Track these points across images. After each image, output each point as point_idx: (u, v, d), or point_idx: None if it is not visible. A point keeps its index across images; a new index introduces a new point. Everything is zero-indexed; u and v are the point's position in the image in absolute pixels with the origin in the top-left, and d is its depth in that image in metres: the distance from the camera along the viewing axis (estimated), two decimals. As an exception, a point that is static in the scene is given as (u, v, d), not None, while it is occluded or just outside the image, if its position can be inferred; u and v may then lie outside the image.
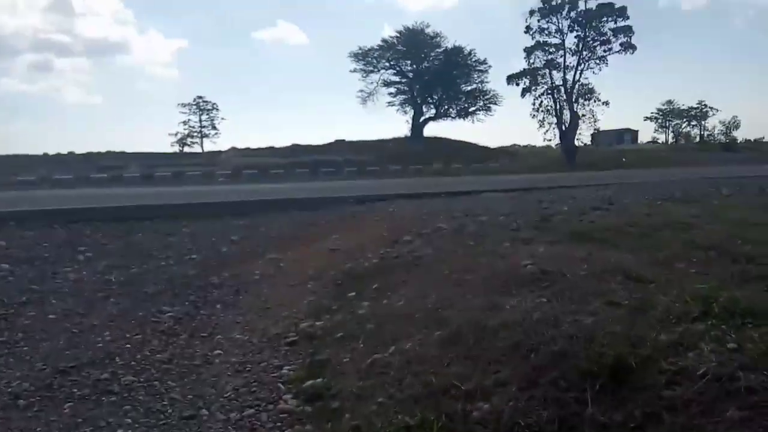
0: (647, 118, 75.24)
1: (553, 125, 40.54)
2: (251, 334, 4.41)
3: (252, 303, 5.19)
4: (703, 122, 70.59)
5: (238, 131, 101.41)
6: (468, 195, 11.01)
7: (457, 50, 48.19)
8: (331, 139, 45.40)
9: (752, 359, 2.44)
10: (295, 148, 41.40)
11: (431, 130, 50.27)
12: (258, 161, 29.44)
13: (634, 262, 4.42)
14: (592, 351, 2.86)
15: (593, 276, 4.03)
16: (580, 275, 4.06)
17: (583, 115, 39.99)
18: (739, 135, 60.26)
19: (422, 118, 49.22)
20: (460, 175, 22.78)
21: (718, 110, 66.54)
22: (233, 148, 43.56)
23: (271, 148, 42.91)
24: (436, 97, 49.97)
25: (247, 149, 42.52)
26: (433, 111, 50.03)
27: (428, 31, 48.65)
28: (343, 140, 44.70)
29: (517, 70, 42.01)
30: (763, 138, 64.62)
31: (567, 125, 39.45)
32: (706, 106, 67.30)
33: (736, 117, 63.40)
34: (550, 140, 43.94)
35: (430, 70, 48.50)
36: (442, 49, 48.76)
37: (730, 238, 5.33)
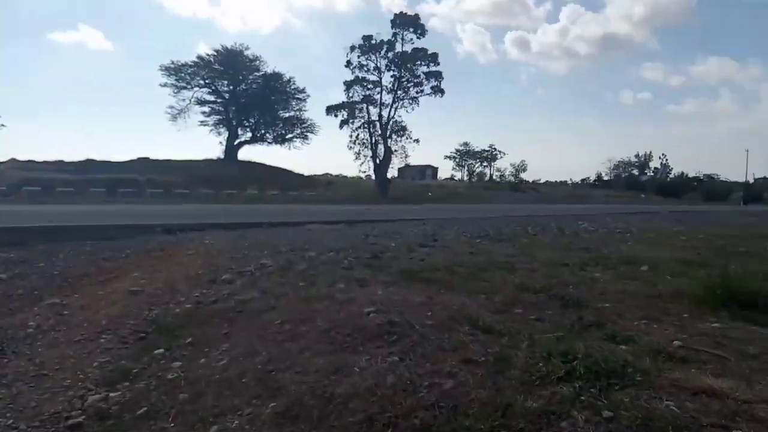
0: (447, 156, 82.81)
1: (369, 158, 42.12)
2: (18, 416, 3.27)
3: (21, 368, 3.95)
4: (492, 163, 79.91)
5: (21, 141, 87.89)
6: (292, 226, 10.44)
7: (277, 76, 47.88)
8: (134, 156, 41.42)
9: (630, 429, 2.27)
10: (90, 164, 36.83)
11: (246, 153, 48.88)
12: (43, 176, 25.43)
13: (476, 308, 4.25)
14: (459, 425, 2.49)
15: (441, 326, 3.74)
16: (427, 325, 3.74)
17: (396, 151, 42.26)
18: (525, 176, 69.22)
19: (237, 141, 47.65)
20: (277, 203, 22.10)
21: (505, 153, 76.06)
22: (13, 160, 37.14)
23: (60, 161, 37.60)
24: (252, 121, 48.88)
25: (31, 162, 36.59)
26: (249, 134, 48.81)
27: (247, 53, 47.61)
28: (148, 158, 41.07)
29: (337, 102, 43.10)
30: (540, 179, 75.13)
31: (381, 159, 41.29)
32: (495, 149, 76.39)
33: (524, 161, 72.82)
34: (365, 172, 45.58)
35: (247, 93, 47.35)
36: (261, 73, 48.07)
37: (550, 279, 5.55)
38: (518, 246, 8.11)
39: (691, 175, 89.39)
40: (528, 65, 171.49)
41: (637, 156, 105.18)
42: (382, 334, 3.58)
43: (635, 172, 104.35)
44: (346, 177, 59.74)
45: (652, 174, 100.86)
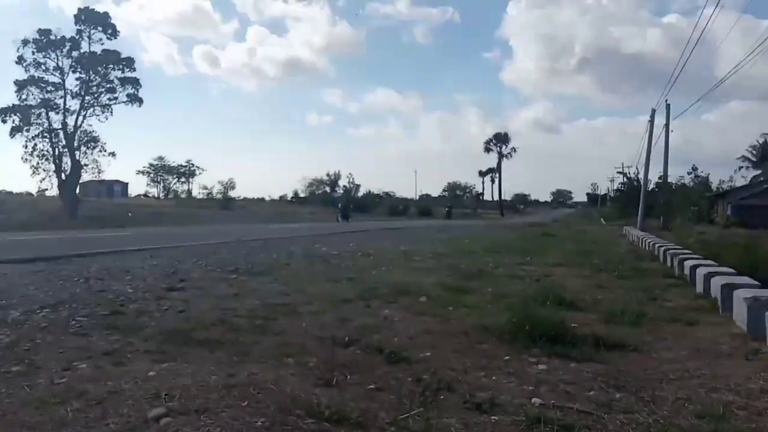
0: (140, 171, 76.64)
1: (51, 173, 35.47)
2: None
3: None
4: (191, 179, 76.83)
5: None
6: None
7: None
8: None
9: None
10: None
11: None
12: None
13: (299, 384, 3.29)
14: None
15: (271, 425, 2.69)
16: (250, 425, 2.64)
17: (86, 165, 36.52)
18: (235, 193, 67.74)
19: None
20: None
21: (204, 169, 74.02)
22: None
23: None
24: None
25: None
26: None
27: None
28: None
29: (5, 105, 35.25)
30: (240, 196, 74.68)
31: (68, 174, 35.09)
32: (193, 164, 73.62)
33: (232, 178, 71.33)
34: (46, 189, 38.25)
35: None
36: None
37: (346, 324, 4.89)
38: (281, 280, 7.25)
39: (374, 191, 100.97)
40: (219, 81, 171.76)
41: (328, 174, 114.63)
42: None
43: (327, 189, 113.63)
44: (18, 194, 49.49)
45: (342, 191, 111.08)
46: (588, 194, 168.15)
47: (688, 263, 8.09)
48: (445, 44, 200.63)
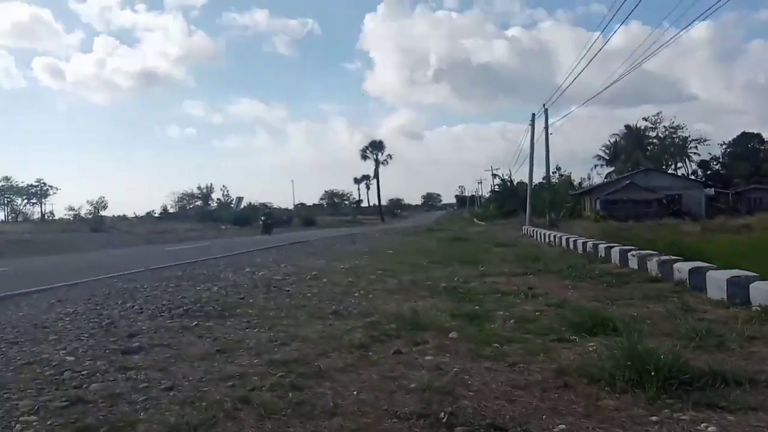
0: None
1: None
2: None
3: None
4: (43, 200, 69.17)
5: None
6: None
7: None
8: None
9: None
10: None
11: None
12: None
13: None
14: None
15: None
16: None
17: None
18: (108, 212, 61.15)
19: None
20: None
21: (58, 188, 66.95)
22: None
23: None
24: None
25: None
26: None
27: None
28: None
29: None
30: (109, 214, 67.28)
31: None
32: (45, 184, 66.23)
33: (104, 197, 64.49)
34: None
35: None
36: None
37: (398, 386, 3.78)
38: (256, 322, 5.85)
39: (254, 203, 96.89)
40: (66, 94, 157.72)
41: (199, 188, 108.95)
42: None
43: (200, 203, 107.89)
44: None
45: (216, 205, 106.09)
46: (456, 196, 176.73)
47: (678, 266, 7.93)
48: (307, 55, 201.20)
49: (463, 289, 8.14)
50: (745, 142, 75.07)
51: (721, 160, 76.98)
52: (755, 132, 75.90)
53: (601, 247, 12.50)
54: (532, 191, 37.25)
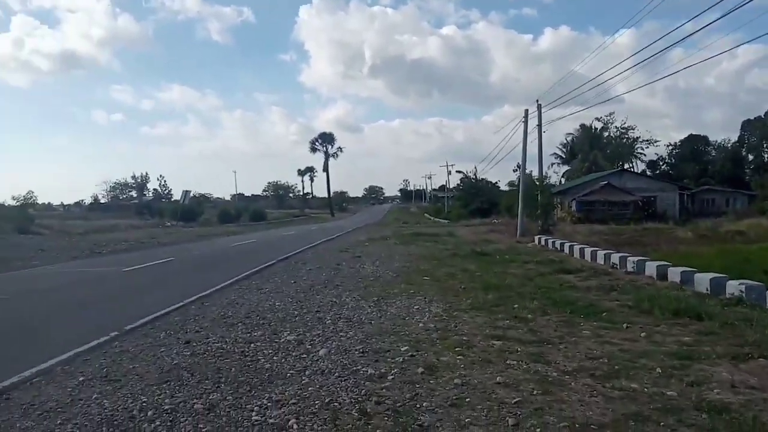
0: None
1: None
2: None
3: None
4: None
5: None
6: None
7: None
8: None
9: None
10: None
11: None
12: None
13: None
14: None
15: None
16: None
17: None
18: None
19: None
20: None
21: None
22: None
23: None
24: None
25: None
26: None
27: None
28: None
29: None
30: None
31: None
32: None
33: (33, 192, 57.70)
34: None
35: None
36: None
37: None
38: None
39: (180, 193, 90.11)
40: None
41: (134, 177, 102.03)
42: None
43: (134, 194, 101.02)
44: None
45: (152, 196, 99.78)
46: (401, 190, 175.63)
47: None
48: (242, 43, 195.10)
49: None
50: (692, 143, 77.42)
51: (667, 161, 79.06)
52: (702, 135, 78.87)
53: (697, 276, 10.35)
54: (502, 192, 35.59)
